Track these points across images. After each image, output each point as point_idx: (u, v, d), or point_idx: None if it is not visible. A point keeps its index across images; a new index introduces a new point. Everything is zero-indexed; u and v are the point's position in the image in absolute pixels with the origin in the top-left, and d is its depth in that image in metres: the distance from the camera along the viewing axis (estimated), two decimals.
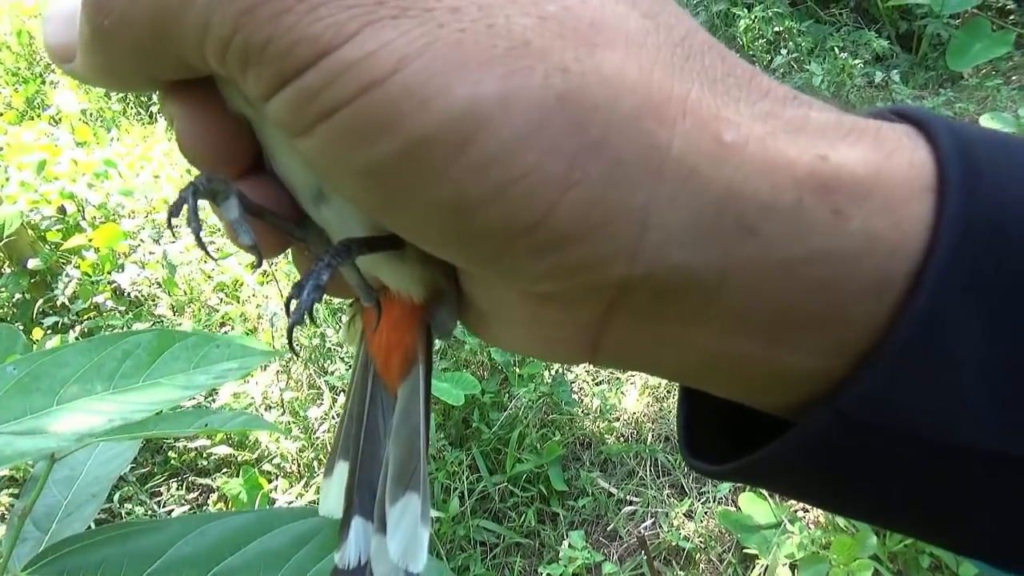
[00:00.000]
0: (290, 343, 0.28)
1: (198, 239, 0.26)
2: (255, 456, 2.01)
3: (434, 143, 0.18)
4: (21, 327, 2.68)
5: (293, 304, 0.26)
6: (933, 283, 0.19)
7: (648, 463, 1.96)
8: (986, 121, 2.57)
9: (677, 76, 0.19)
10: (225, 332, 2.49)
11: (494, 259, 0.21)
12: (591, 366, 2.21)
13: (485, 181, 0.19)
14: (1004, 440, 0.20)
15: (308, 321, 0.26)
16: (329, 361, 2.24)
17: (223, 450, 1.98)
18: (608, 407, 2.07)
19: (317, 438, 2.04)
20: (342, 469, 0.31)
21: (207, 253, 0.27)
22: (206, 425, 0.41)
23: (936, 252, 0.19)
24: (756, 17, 3.29)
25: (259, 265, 0.26)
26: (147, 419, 0.37)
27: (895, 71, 3.14)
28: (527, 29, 0.18)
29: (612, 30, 0.19)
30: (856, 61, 3.09)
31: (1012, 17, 3.23)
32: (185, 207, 0.25)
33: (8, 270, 2.69)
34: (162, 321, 2.52)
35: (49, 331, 2.48)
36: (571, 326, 0.24)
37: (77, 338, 2.46)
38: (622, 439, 2.03)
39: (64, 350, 0.41)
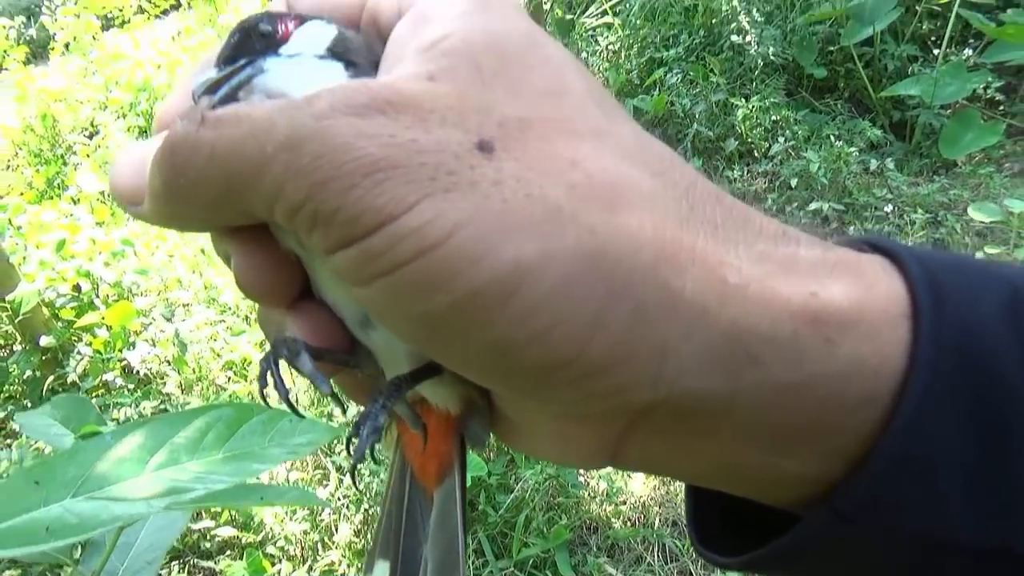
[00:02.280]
0: (354, 481, 0.32)
1: (289, 405, 0.29)
2: (259, 538, 1.99)
3: (483, 296, 0.22)
4: (29, 404, 2.69)
5: (353, 444, 0.28)
6: (914, 398, 0.23)
7: (656, 548, 1.93)
8: (973, 212, 2.65)
9: (685, 228, 0.23)
10: None
11: (531, 390, 0.24)
12: None
13: (527, 327, 0.22)
14: (979, 535, 0.23)
15: (370, 460, 0.29)
16: (336, 442, 2.24)
17: (227, 531, 1.97)
18: (615, 490, 2.05)
19: (322, 520, 2.03)
20: (383, 568, 0.33)
21: (297, 413, 0.31)
22: (261, 498, 0.43)
23: (914, 371, 0.23)
24: (754, 107, 3.41)
25: (328, 393, 0.29)
26: (213, 492, 0.40)
27: (890, 159, 3.23)
28: (559, 196, 0.22)
29: (629, 192, 0.23)
30: (851, 149, 3.18)
31: (1001, 108, 3.35)
32: (269, 374, 0.28)
33: (20, 347, 2.72)
34: (170, 399, 2.53)
35: None
36: (596, 440, 0.27)
37: None
38: (629, 523, 2.01)
39: (154, 421, 0.44)
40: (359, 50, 0.28)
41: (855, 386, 0.23)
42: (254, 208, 0.24)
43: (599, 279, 0.22)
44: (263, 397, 0.29)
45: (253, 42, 0.28)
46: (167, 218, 0.26)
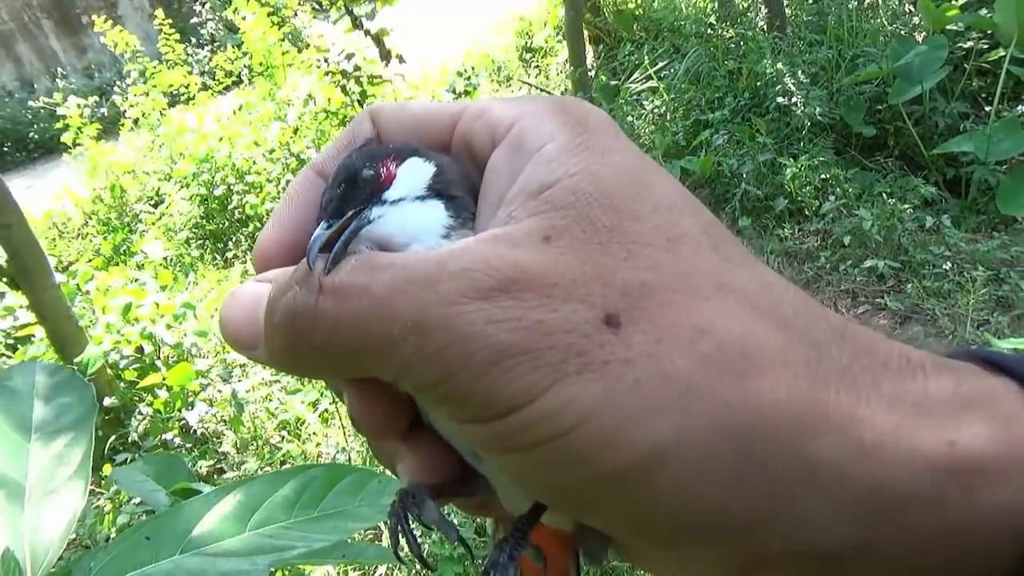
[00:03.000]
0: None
1: (422, 560, 0.30)
2: None
3: (619, 477, 0.22)
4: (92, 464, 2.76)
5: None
6: None
7: None
8: None
9: (817, 383, 0.23)
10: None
11: (661, 547, 0.24)
12: None
13: (663, 504, 0.22)
14: None
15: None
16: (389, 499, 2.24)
17: None
18: None
19: None
20: None
21: (428, 567, 0.32)
22: (344, 556, 0.45)
23: None
24: (802, 166, 3.41)
25: (456, 539, 0.30)
26: (301, 553, 0.41)
27: (945, 216, 3.18)
28: (691, 372, 0.22)
29: (759, 356, 0.23)
30: (905, 206, 3.14)
31: None
32: (400, 531, 0.29)
33: None
34: (226, 458, 2.57)
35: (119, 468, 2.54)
36: (723, 570, 0.26)
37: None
38: None
39: (251, 481, 0.46)
40: (456, 182, 0.29)
41: (998, 531, 0.23)
42: (379, 375, 0.25)
43: (736, 452, 0.22)
44: (396, 554, 0.30)
45: (358, 190, 0.29)
46: (285, 368, 0.27)
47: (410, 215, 0.28)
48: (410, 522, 0.29)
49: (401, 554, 0.30)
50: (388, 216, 0.28)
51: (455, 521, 2.01)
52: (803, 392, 0.22)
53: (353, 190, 0.29)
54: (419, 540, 0.30)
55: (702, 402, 0.22)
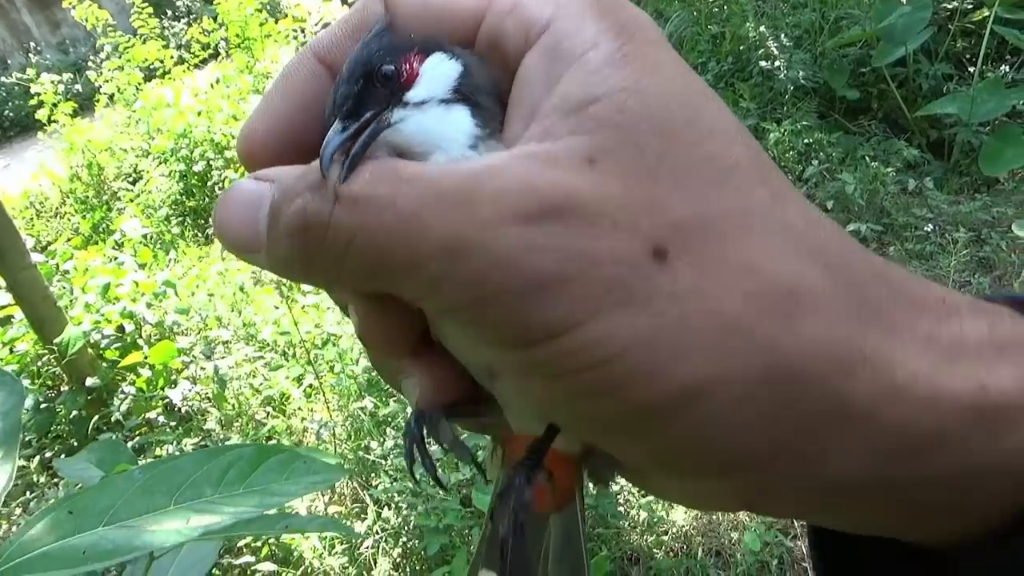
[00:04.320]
0: (503, 559, 0.29)
1: (436, 480, 0.30)
2: (299, 573, 1.99)
3: (652, 411, 0.21)
4: (76, 444, 2.75)
5: (502, 524, 0.28)
6: None
7: None
8: (1017, 228, 2.58)
9: (856, 325, 0.22)
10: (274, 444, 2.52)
11: (683, 478, 0.24)
12: None
13: (693, 440, 0.22)
14: None
15: (521, 535, 0.28)
16: (374, 475, 2.25)
17: (268, 567, 1.97)
18: (656, 520, 2.02)
19: (361, 554, 2.02)
20: None
21: (441, 486, 0.32)
22: (287, 527, 0.44)
23: None
24: (786, 131, 3.40)
25: (470, 461, 0.30)
26: (239, 523, 0.40)
27: (928, 178, 3.18)
28: (736, 310, 0.21)
29: (805, 296, 0.22)
30: (888, 169, 3.14)
31: None
32: (415, 449, 0.29)
33: (67, 388, 2.79)
34: (211, 435, 2.56)
35: None
36: (727, 496, 0.26)
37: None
38: (671, 554, 1.97)
39: (179, 460, 0.46)
40: (483, 86, 0.26)
41: (1009, 478, 0.23)
42: (395, 293, 0.23)
43: (774, 392, 0.21)
44: (411, 473, 0.29)
45: (377, 88, 0.26)
46: (288, 277, 0.25)
47: (434, 121, 0.26)
48: (426, 443, 0.28)
49: (417, 475, 0.29)
50: (410, 120, 0.26)
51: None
52: (843, 334, 0.22)
53: (371, 88, 0.26)
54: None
55: (746, 341, 0.21)
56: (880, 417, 0.22)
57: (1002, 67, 3.44)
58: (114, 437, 2.57)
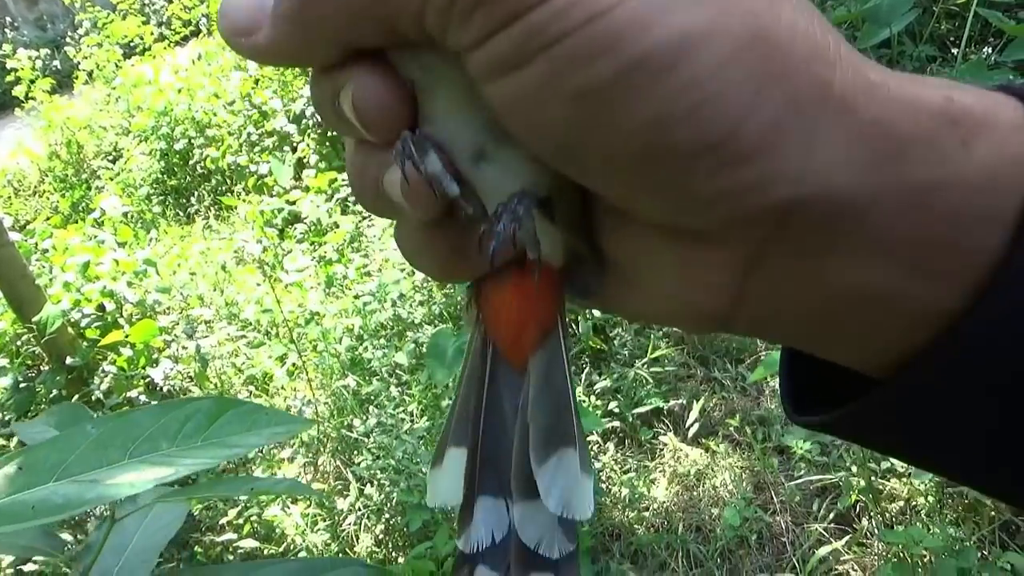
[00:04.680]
0: (491, 262, 0.27)
1: (433, 178, 0.27)
2: (281, 549, 1.99)
3: (648, 63, 0.21)
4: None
5: (492, 238, 0.26)
6: None
7: (680, 554, 1.91)
8: None
9: (830, 32, 0.23)
10: None
11: (675, 183, 0.23)
12: (619, 454, 2.16)
13: (686, 99, 0.22)
14: None
15: (512, 246, 0.26)
16: (356, 452, 2.25)
17: (249, 543, 1.97)
18: (637, 496, 2.03)
19: (343, 530, 2.03)
20: (456, 455, 0.30)
21: (445, 186, 0.27)
22: (252, 489, 0.43)
23: None
24: None
25: (456, 194, 0.27)
26: (202, 483, 0.40)
27: None
28: None
29: None
30: None
31: None
32: (408, 162, 0.26)
33: (47, 367, 2.76)
34: None
35: None
36: (720, 271, 0.26)
37: None
38: (652, 529, 1.99)
39: (134, 413, 0.45)
40: None
41: (987, 197, 0.23)
42: (401, 12, 0.23)
43: (758, 61, 0.22)
44: (403, 169, 0.27)
45: None
46: (285, 45, 0.26)
47: None
48: (415, 159, 0.27)
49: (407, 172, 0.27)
50: None
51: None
52: (818, 29, 0.23)
53: None
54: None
55: (734, 4, 0.22)
56: (859, 109, 0.22)
57: (985, 49, 3.44)
58: (95, 416, 2.56)
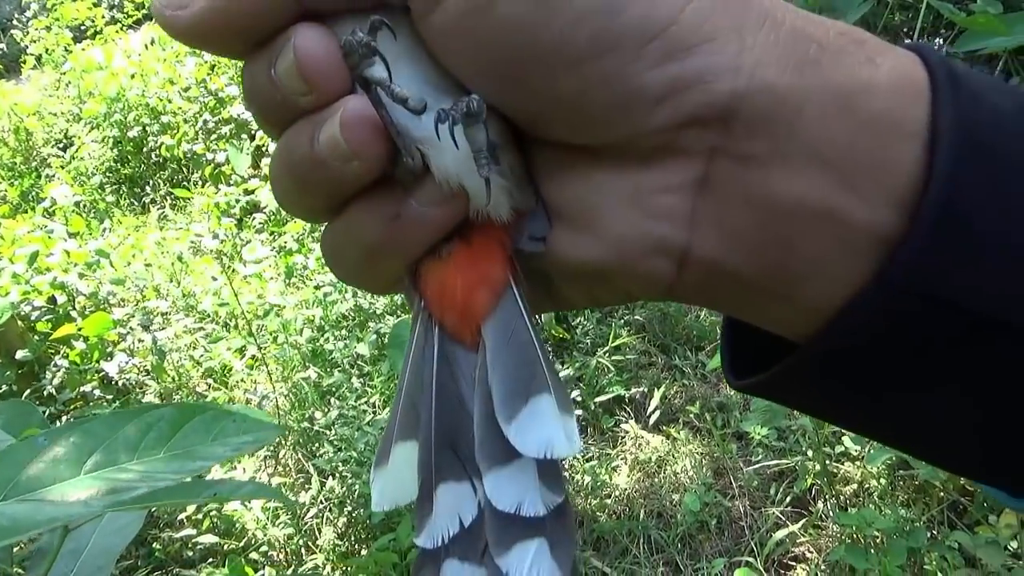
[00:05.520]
0: (454, 139, 0.26)
1: (396, 95, 0.26)
2: (241, 544, 1.97)
3: None
4: None
5: (444, 128, 0.26)
6: (945, 137, 0.23)
7: (641, 540, 1.93)
8: None
9: None
10: None
11: (624, 79, 0.24)
12: (581, 442, 2.19)
13: None
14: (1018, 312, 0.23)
15: (463, 122, 0.26)
16: (317, 445, 2.23)
17: (209, 539, 1.95)
18: (599, 484, 2.05)
19: (306, 523, 2.01)
20: (406, 449, 0.28)
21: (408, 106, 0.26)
22: (215, 494, 0.42)
23: (939, 117, 0.23)
24: None
25: (407, 100, 0.26)
26: (160, 491, 0.38)
27: None
28: None
29: None
30: None
31: None
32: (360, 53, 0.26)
33: None
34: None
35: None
36: (671, 194, 0.26)
37: None
38: (614, 516, 2.01)
39: (90, 422, 0.42)
40: None
41: (898, 106, 0.24)
42: None
43: None
44: (351, 63, 0.26)
45: None
46: (219, 14, 0.25)
47: None
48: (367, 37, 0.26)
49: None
50: None
51: None
52: None
53: None
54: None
55: None
56: (779, 18, 0.25)
57: (937, 40, 3.52)
58: (47, 412, 2.50)
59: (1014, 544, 1.57)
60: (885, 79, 0.24)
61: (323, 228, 0.30)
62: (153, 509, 2.01)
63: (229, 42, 0.27)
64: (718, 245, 0.26)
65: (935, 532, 1.78)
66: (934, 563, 1.64)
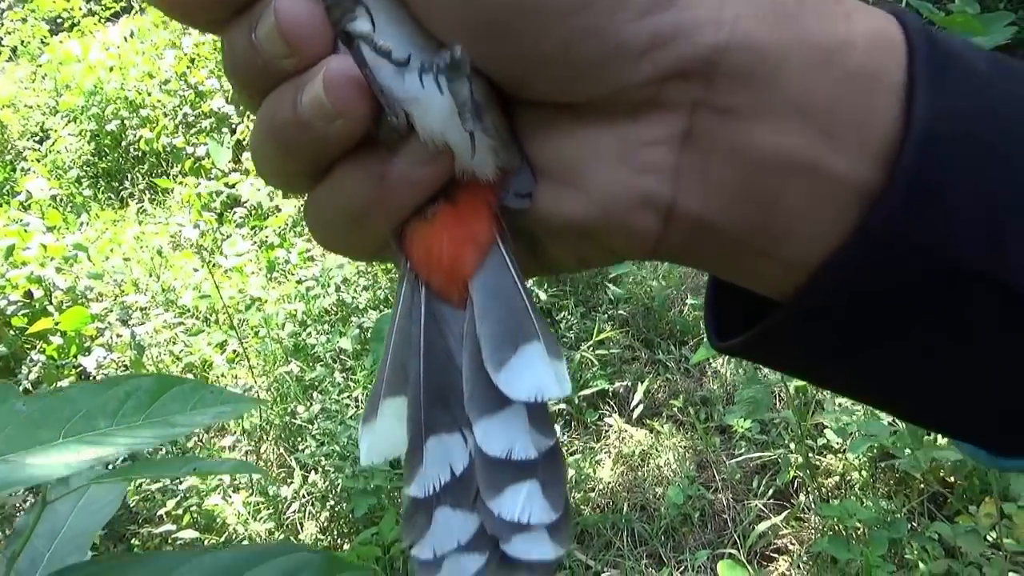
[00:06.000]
0: (439, 86, 0.26)
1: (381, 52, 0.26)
2: (222, 539, 1.95)
3: None
4: None
5: (428, 77, 0.26)
6: (921, 91, 0.23)
7: (624, 533, 1.94)
8: None
9: None
10: None
11: (607, 32, 0.24)
12: (565, 436, 2.17)
13: None
14: (993, 264, 0.23)
15: (460, 71, 0.25)
16: (300, 439, 2.21)
17: (189, 534, 1.93)
18: (583, 477, 2.06)
19: (287, 518, 2.00)
20: (394, 404, 0.28)
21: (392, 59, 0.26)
22: (195, 469, 0.41)
23: (915, 72, 0.24)
24: None
25: (387, 49, 0.26)
26: (139, 464, 0.37)
27: None
28: None
29: None
30: None
31: None
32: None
33: None
34: None
35: None
36: (656, 148, 0.26)
37: None
38: (598, 509, 2.01)
39: (70, 390, 0.42)
40: None
41: (875, 61, 0.24)
42: None
43: None
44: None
45: None
46: None
47: None
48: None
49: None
50: None
51: None
52: None
53: None
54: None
55: None
56: None
57: None
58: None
59: (993, 534, 1.59)
60: (862, 35, 0.24)
61: (306, 198, 0.30)
62: (132, 503, 1.99)
63: (211, 8, 0.27)
64: (702, 199, 0.26)
65: (915, 523, 1.80)
66: (915, 553, 1.66)
